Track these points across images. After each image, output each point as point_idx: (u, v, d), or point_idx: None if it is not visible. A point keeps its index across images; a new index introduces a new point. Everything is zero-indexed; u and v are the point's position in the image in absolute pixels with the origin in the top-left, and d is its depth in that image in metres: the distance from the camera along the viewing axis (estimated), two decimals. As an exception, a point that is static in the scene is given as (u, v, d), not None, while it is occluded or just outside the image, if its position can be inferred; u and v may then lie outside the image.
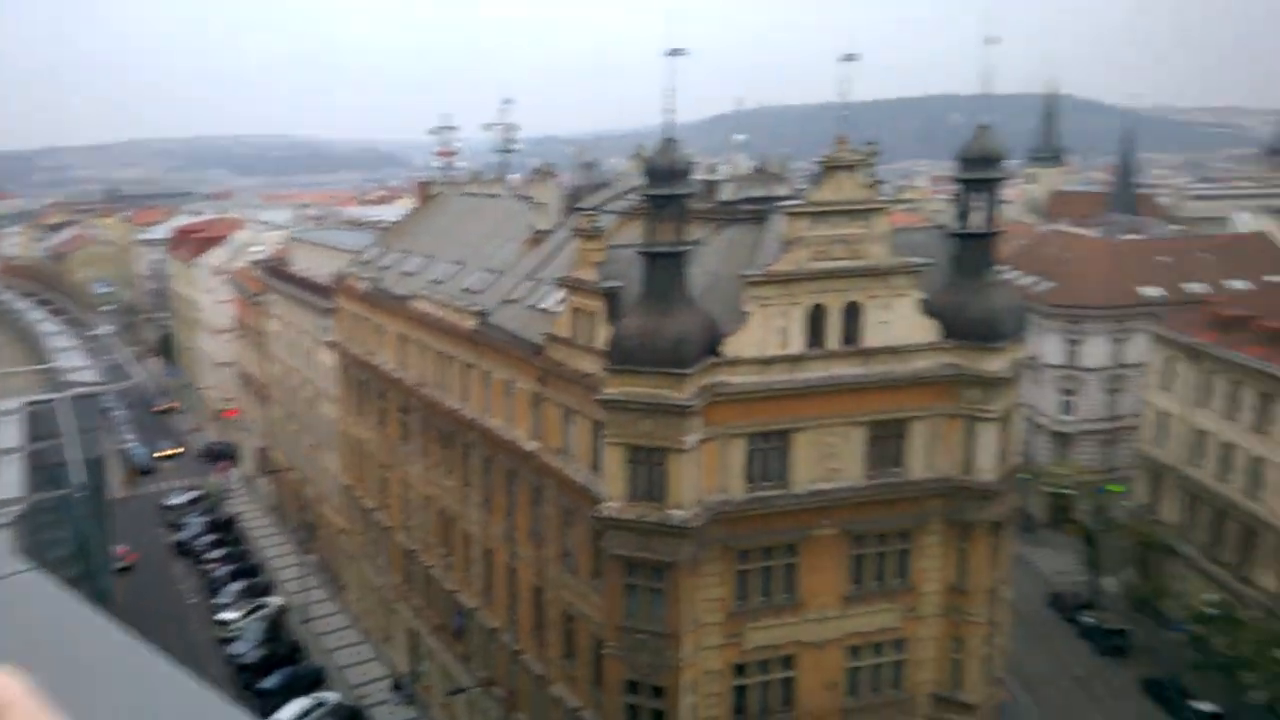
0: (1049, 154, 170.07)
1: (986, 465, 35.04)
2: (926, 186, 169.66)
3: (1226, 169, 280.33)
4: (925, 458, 35.12)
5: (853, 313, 34.28)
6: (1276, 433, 51.49)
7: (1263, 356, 52.80)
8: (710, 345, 33.04)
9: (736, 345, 33.36)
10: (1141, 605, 60.59)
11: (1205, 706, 50.02)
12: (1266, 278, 72.23)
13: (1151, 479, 62.64)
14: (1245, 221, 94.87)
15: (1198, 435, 57.89)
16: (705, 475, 33.02)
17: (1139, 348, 69.82)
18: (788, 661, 35.35)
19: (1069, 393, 73.84)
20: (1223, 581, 54.28)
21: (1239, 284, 72.80)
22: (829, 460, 34.33)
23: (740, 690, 34.93)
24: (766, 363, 33.59)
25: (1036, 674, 55.06)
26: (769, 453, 34.05)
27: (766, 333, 33.61)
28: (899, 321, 34.59)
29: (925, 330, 34.83)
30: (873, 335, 34.43)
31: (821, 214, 33.99)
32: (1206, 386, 57.37)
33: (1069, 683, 54.68)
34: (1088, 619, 59.60)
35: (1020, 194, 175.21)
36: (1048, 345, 74.28)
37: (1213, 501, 56.38)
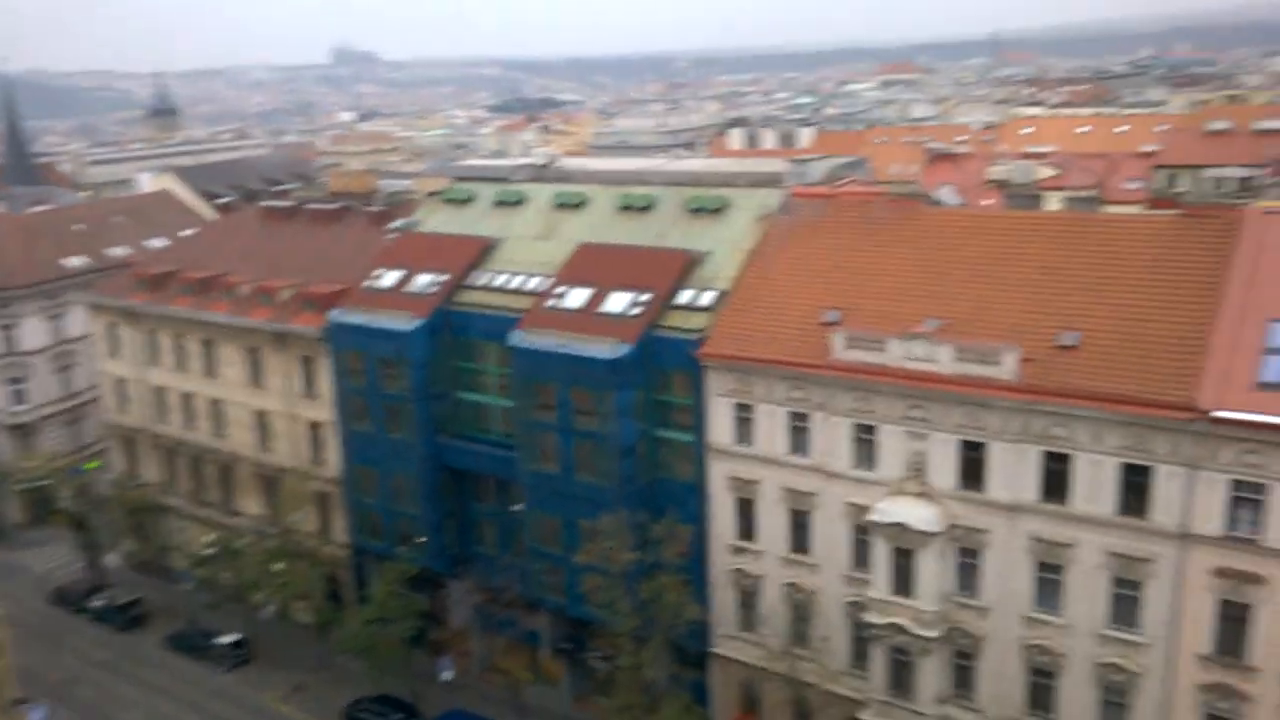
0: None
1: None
2: None
3: (119, 131, 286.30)
4: None
5: None
6: (225, 374, 55.74)
7: (193, 306, 56.25)
8: None
9: None
10: (149, 569, 61.26)
11: (227, 639, 53.34)
12: (181, 233, 76.61)
13: (125, 446, 62.87)
14: (148, 182, 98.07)
15: (157, 392, 59.61)
16: None
17: (79, 320, 68.50)
18: None
19: (18, 380, 69.26)
20: (215, 521, 57.74)
21: (157, 242, 75.85)
22: None
23: None
24: None
25: (63, 677, 52.37)
26: None
27: None
28: None
29: None
30: None
31: None
32: (153, 345, 59.10)
33: (97, 671, 53.11)
34: (99, 602, 58.22)
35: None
36: (-21, 337, 68.23)
37: (187, 450, 59.05)
